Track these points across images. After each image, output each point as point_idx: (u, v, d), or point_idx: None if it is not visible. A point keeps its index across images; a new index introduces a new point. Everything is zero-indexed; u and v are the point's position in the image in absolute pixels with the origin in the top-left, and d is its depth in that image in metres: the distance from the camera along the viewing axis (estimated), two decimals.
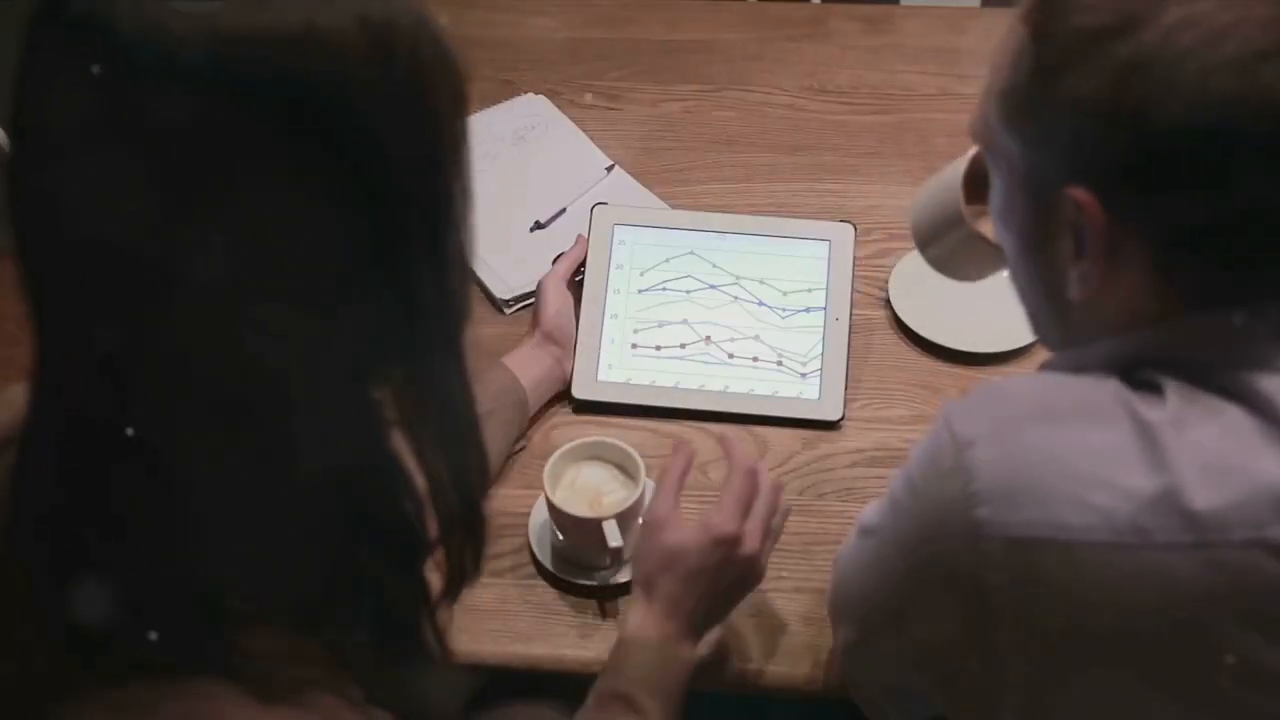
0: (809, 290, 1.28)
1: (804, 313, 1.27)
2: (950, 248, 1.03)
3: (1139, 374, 0.71)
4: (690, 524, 0.96)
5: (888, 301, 1.31)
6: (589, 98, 1.57)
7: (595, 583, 1.08)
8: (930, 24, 1.67)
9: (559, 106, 1.54)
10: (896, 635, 0.82)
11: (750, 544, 0.96)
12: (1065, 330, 0.80)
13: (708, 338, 1.27)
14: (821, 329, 1.25)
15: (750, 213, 1.36)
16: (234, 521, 0.60)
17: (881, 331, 1.30)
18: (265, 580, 0.61)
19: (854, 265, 1.29)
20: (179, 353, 0.57)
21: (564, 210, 1.41)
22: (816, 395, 1.23)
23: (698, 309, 1.28)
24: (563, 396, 1.24)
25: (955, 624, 0.74)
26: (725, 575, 0.96)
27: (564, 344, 1.24)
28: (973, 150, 0.96)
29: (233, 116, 0.54)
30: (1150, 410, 0.69)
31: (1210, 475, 0.67)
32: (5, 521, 0.63)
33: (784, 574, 1.08)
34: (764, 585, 1.01)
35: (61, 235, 0.57)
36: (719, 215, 1.34)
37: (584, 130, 1.51)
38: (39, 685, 0.63)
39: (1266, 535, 0.66)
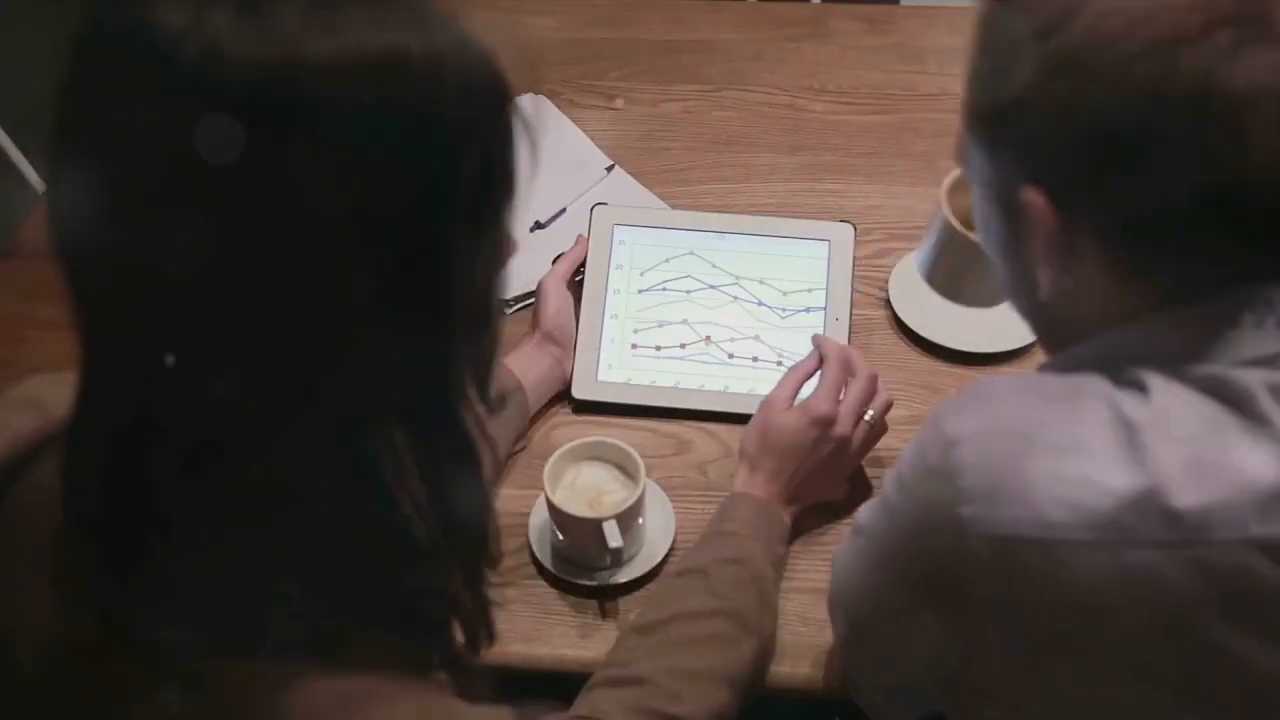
0: (809, 290, 1.28)
1: (804, 313, 1.27)
2: (949, 264, 1.04)
3: (1125, 372, 0.71)
4: (794, 408, 1.10)
5: (888, 301, 1.31)
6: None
7: (595, 583, 1.08)
8: (930, 24, 1.67)
9: (559, 106, 1.54)
10: (890, 632, 0.83)
11: (843, 426, 1.09)
12: (1052, 333, 0.81)
13: (708, 338, 1.27)
14: (822, 329, 1.25)
15: (750, 213, 1.36)
16: (252, 542, 0.63)
17: (881, 331, 1.30)
18: (289, 588, 0.64)
19: (854, 265, 1.29)
20: (192, 372, 0.59)
21: (564, 210, 1.41)
22: None
23: (698, 309, 1.28)
24: (563, 396, 1.24)
25: (944, 622, 0.75)
26: (819, 452, 1.08)
27: (564, 344, 1.24)
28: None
29: (277, 142, 0.55)
30: (1134, 408, 0.69)
31: (1192, 474, 0.66)
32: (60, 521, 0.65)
33: (802, 570, 1.08)
34: None
35: (107, 251, 0.58)
36: (719, 215, 1.34)
37: (584, 130, 1.51)
38: (105, 681, 0.65)
39: (1251, 534, 0.66)
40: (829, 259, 1.29)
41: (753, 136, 1.53)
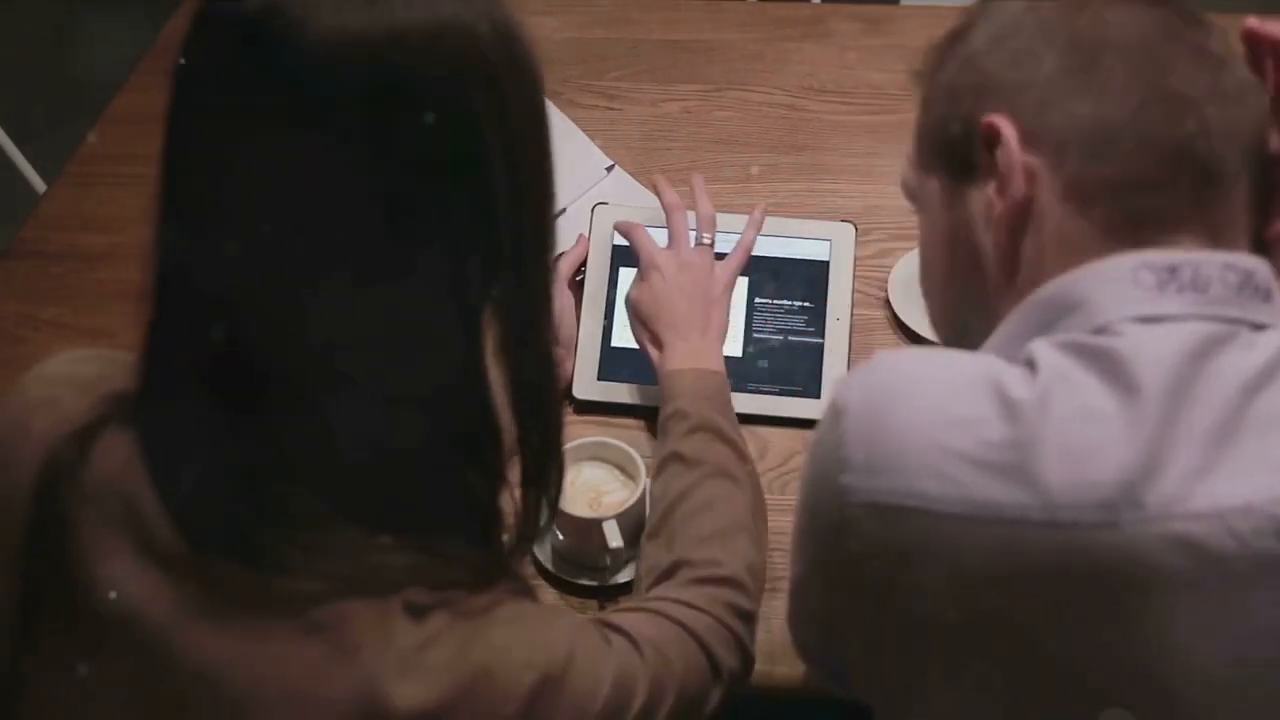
0: (809, 290, 1.28)
1: (804, 313, 1.27)
2: None
3: (1022, 348, 0.72)
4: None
5: (887, 301, 1.31)
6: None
7: (595, 583, 1.08)
8: (930, 24, 1.66)
9: (559, 106, 1.54)
10: (806, 603, 0.83)
11: (678, 254, 1.17)
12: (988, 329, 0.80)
13: None
14: (823, 328, 1.25)
15: (750, 212, 1.36)
16: (348, 441, 0.69)
17: (881, 331, 1.30)
18: (371, 492, 0.69)
19: (854, 265, 1.29)
20: (299, 284, 0.66)
21: (564, 210, 1.41)
22: (817, 395, 1.22)
23: None
24: (563, 396, 1.24)
25: (836, 593, 0.75)
26: (682, 284, 1.16)
27: (565, 344, 1.24)
28: None
29: (394, 93, 0.64)
30: (1017, 386, 0.68)
31: (1066, 455, 0.66)
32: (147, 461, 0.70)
33: (783, 573, 1.08)
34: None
35: (220, 194, 0.66)
36: (719, 215, 1.33)
37: (584, 130, 1.51)
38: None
39: (1119, 519, 0.65)
40: (830, 259, 1.29)
41: (753, 136, 1.53)
